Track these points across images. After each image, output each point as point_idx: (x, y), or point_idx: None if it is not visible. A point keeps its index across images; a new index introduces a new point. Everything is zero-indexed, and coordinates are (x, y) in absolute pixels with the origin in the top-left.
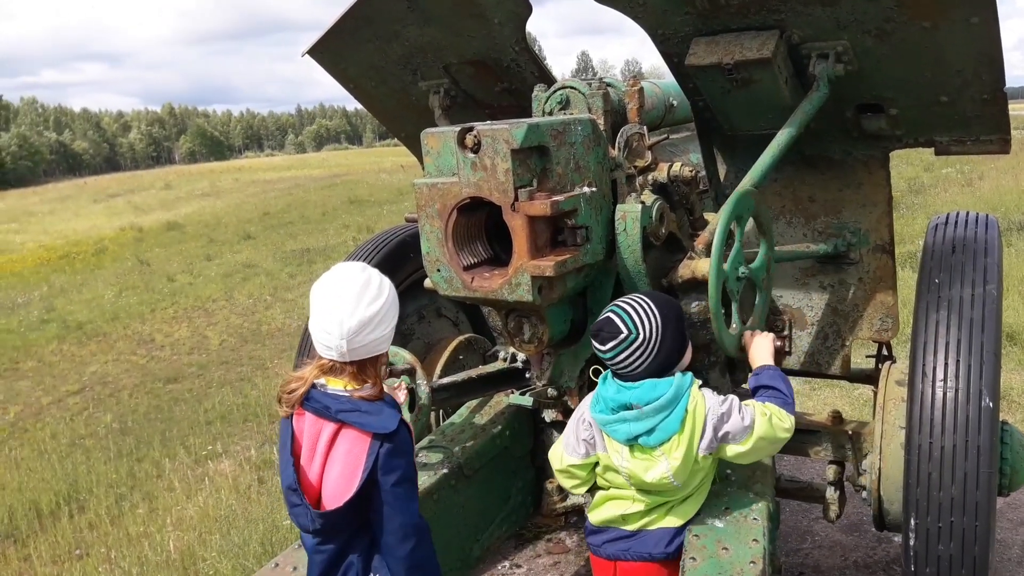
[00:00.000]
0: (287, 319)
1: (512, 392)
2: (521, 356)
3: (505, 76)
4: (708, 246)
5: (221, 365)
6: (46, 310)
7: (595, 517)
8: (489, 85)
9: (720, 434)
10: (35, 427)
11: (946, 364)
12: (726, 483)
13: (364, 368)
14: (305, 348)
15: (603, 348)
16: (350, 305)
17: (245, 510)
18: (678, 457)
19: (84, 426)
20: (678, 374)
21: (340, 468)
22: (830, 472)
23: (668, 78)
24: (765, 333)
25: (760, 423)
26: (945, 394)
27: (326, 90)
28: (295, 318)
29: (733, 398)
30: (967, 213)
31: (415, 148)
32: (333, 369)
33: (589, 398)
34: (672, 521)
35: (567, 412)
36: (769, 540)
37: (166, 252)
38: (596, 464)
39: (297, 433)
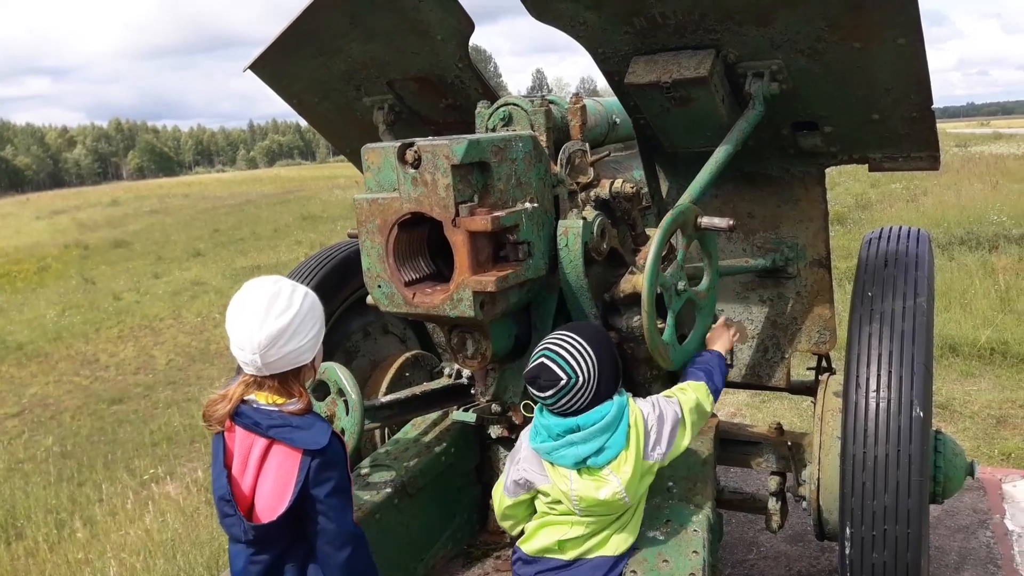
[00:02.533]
0: None
1: (456, 409)
2: (466, 372)
3: (449, 92)
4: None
5: (168, 385)
6: None
7: (529, 547)
8: (433, 101)
9: (667, 438)
10: None
11: (879, 375)
12: (667, 496)
13: (287, 381)
14: None
15: (543, 396)
16: (258, 319)
17: (191, 533)
18: (627, 471)
19: (23, 450)
20: (616, 395)
21: (272, 483)
22: (772, 483)
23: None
24: (729, 326)
25: (687, 411)
26: (878, 404)
27: (279, 106)
28: None
29: (655, 398)
30: (900, 228)
31: (359, 163)
32: (257, 384)
33: (526, 436)
34: (610, 550)
35: (512, 428)
36: (710, 552)
37: (112, 270)
38: (534, 499)
39: (229, 445)
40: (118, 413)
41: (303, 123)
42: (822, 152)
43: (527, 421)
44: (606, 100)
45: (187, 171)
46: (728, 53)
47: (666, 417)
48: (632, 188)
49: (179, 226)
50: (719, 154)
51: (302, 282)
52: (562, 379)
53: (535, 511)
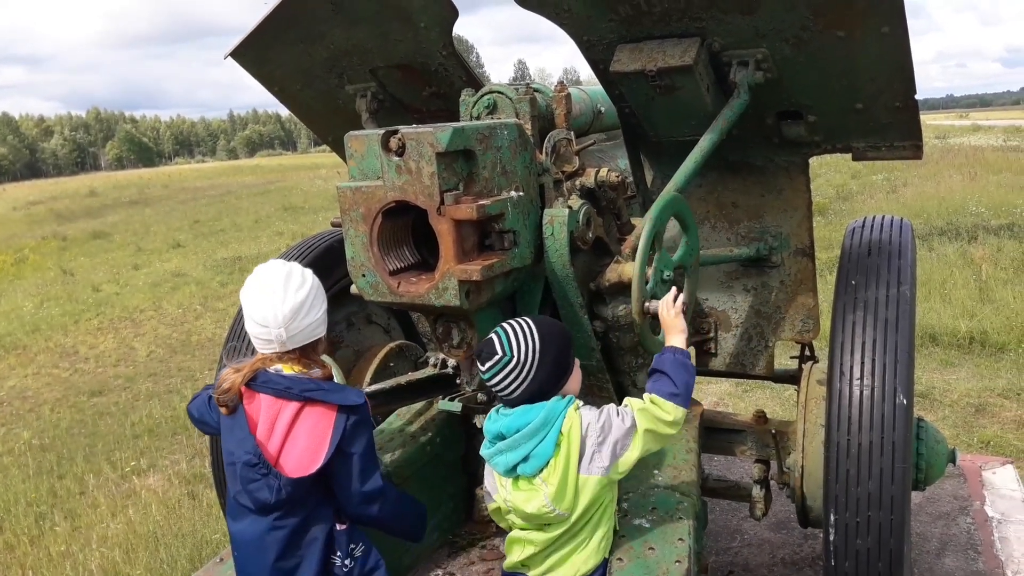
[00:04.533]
0: (218, 329)
1: (441, 398)
2: (451, 362)
3: (433, 80)
4: (634, 250)
5: (149, 377)
6: None
7: (506, 563)
8: (417, 89)
9: (611, 450)
10: None
11: (862, 363)
12: (652, 484)
13: (307, 353)
14: (228, 353)
15: (482, 368)
16: (279, 294)
17: (173, 526)
18: (554, 483)
19: (1, 443)
20: (554, 398)
21: (306, 441)
22: (755, 471)
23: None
24: (677, 304)
25: (640, 420)
26: (861, 392)
27: (259, 95)
28: (226, 328)
29: (608, 407)
30: (883, 217)
31: (342, 152)
32: (274, 361)
33: None
34: (567, 572)
35: None
36: (695, 539)
37: (91, 261)
38: None
39: (250, 414)
40: (98, 405)
41: (284, 113)
42: (806, 141)
43: None
44: (591, 89)
45: (167, 162)
46: (713, 41)
47: (611, 428)
48: (617, 177)
49: (159, 217)
50: (704, 143)
51: None
52: (498, 353)
53: None
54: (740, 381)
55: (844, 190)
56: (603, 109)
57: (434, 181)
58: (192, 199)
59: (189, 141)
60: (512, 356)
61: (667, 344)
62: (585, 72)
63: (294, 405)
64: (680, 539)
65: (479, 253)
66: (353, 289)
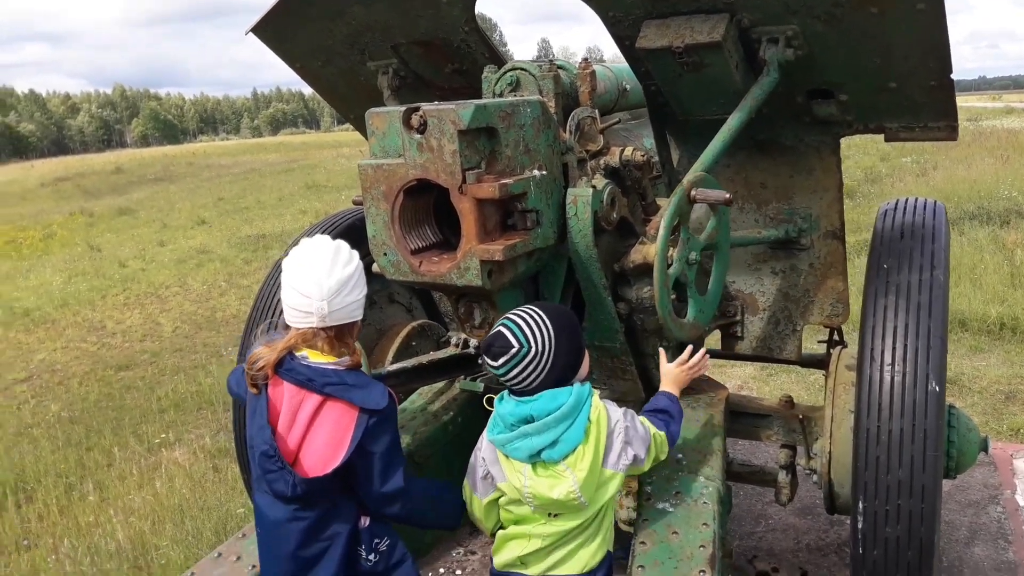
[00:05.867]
0: (242, 306)
1: (463, 378)
2: (473, 342)
3: (455, 57)
4: (657, 230)
5: (175, 352)
6: None
7: (497, 560)
8: (439, 66)
9: (633, 452)
10: None
11: (894, 348)
12: (676, 468)
13: (342, 335)
14: (251, 332)
15: (495, 364)
16: (326, 267)
17: (199, 499)
18: (584, 469)
19: (31, 415)
20: (576, 384)
21: (326, 438)
22: (781, 456)
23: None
24: (684, 365)
25: (653, 443)
26: (893, 378)
27: (282, 73)
28: (250, 305)
29: (632, 414)
30: (916, 200)
31: (364, 129)
32: (309, 339)
33: (485, 434)
34: (575, 567)
35: None
36: (720, 524)
37: (118, 237)
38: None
39: (273, 401)
40: (125, 379)
41: (307, 91)
42: (837, 121)
43: None
44: (616, 66)
45: (191, 139)
46: (742, 18)
47: (639, 434)
48: (643, 156)
49: (183, 194)
50: (732, 122)
51: None
52: (513, 346)
53: None
54: (764, 365)
55: (873, 172)
56: (628, 87)
57: (456, 159)
58: (216, 176)
59: (213, 119)
60: (530, 347)
61: (665, 388)
62: (609, 50)
63: (316, 398)
64: (705, 524)
65: (501, 233)
66: (375, 268)
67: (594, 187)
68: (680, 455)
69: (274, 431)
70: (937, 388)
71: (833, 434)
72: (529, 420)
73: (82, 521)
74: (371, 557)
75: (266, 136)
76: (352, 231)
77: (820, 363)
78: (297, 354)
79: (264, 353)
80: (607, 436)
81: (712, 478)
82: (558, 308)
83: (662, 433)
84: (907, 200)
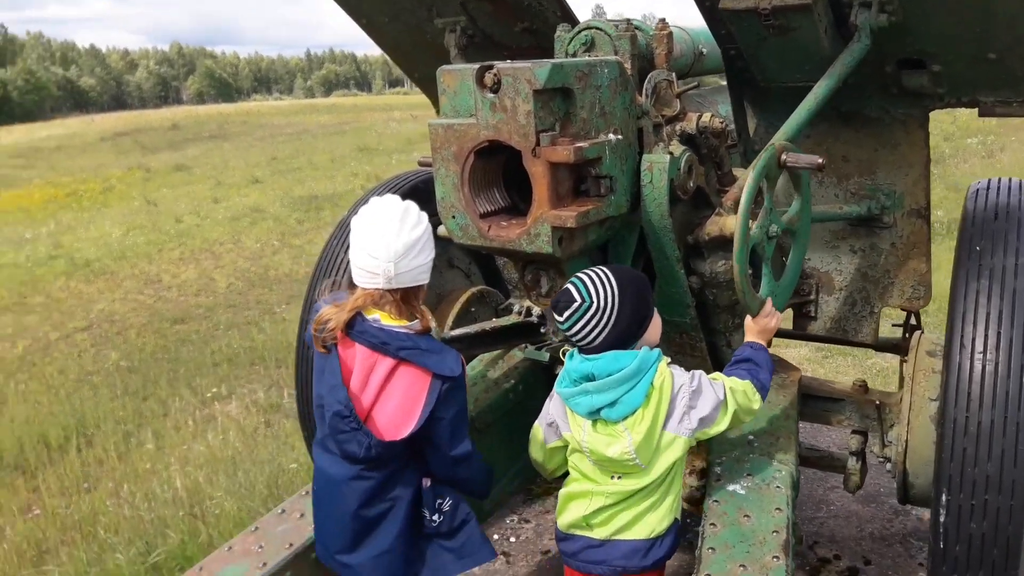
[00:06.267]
0: (295, 265)
1: (527, 346)
2: (536, 310)
3: (525, 15)
4: (737, 202)
5: (228, 308)
6: (53, 246)
7: (561, 521)
8: (508, 24)
9: (700, 416)
10: (43, 362)
11: (986, 335)
12: (748, 449)
13: (408, 299)
14: (315, 288)
15: (560, 318)
16: (395, 228)
17: (251, 452)
18: (641, 431)
19: (92, 363)
20: (644, 348)
21: (399, 402)
22: (853, 442)
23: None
24: (771, 315)
25: (731, 399)
26: (984, 367)
27: (336, 34)
28: (303, 264)
29: (700, 373)
30: (1009, 180)
31: (429, 90)
32: (377, 300)
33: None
34: (642, 532)
35: None
36: (792, 509)
37: (173, 193)
38: (566, 448)
39: (345, 361)
40: (180, 332)
41: (360, 53)
42: (928, 93)
43: None
44: (692, 28)
45: (245, 98)
46: None
47: (704, 395)
48: (721, 123)
49: (237, 152)
50: (819, 90)
51: None
52: (576, 300)
53: None
54: (820, 346)
55: (936, 152)
56: (705, 51)
57: (530, 120)
58: (270, 136)
59: (267, 78)
60: (592, 302)
61: (752, 340)
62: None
63: (389, 361)
64: (778, 509)
65: (574, 199)
66: (441, 230)
67: (671, 154)
68: (752, 436)
69: (347, 391)
70: None
71: (911, 422)
72: (591, 378)
73: (140, 468)
74: (435, 518)
75: (318, 97)
76: (415, 193)
77: (895, 347)
78: (368, 316)
79: (332, 313)
80: (669, 400)
81: (785, 462)
82: (628, 269)
83: (745, 382)
84: (1000, 180)
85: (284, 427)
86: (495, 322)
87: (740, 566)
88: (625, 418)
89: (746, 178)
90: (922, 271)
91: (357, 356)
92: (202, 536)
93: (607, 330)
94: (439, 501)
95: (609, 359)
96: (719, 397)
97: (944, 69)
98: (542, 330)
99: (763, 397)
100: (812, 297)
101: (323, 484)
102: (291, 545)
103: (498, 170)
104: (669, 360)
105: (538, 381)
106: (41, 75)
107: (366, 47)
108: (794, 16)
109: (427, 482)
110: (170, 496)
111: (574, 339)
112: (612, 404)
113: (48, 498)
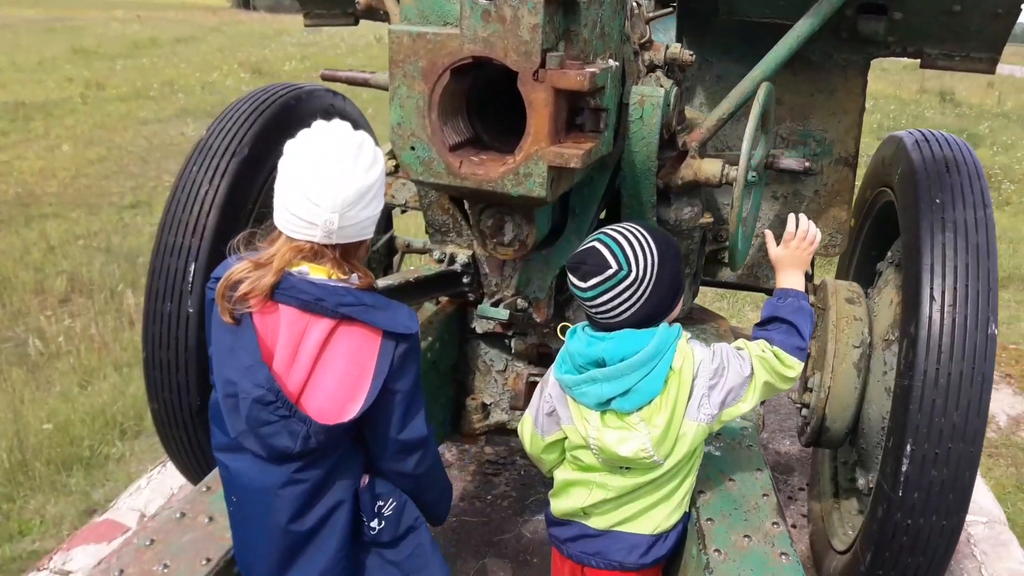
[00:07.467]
0: (3, 185)
1: (474, 303)
2: (460, 258)
3: None
4: (702, 143)
5: None
6: None
7: (556, 506)
8: None
9: (722, 397)
10: None
11: (955, 289)
12: None
13: (348, 256)
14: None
15: (583, 285)
16: (346, 169)
17: None
18: (659, 424)
19: None
20: (663, 325)
21: (342, 374)
22: None
23: None
24: (807, 238)
25: (759, 370)
26: (954, 319)
27: None
28: (12, 184)
29: (723, 347)
30: (943, 134)
31: None
32: (306, 257)
33: (553, 368)
34: (646, 527)
35: (506, 325)
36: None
37: None
38: (565, 439)
39: (262, 334)
40: None
41: None
42: (877, 41)
43: (549, 321)
44: None
45: None
46: None
47: (727, 373)
48: (690, 56)
49: None
50: (801, 27)
51: (234, 135)
52: (611, 267)
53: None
54: (723, 292)
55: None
56: None
57: (536, 36)
58: None
59: None
60: (630, 271)
61: (783, 284)
62: None
63: (326, 323)
64: (758, 469)
65: (567, 133)
66: (390, 164)
67: (663, 87)
68: None
69: (269, 370)
70: (995, 332)
71: (835, 368)
72: (600, 364)
73: None
74: (374, 524)
75: None
76: (286, 112)
77: None
78: (294, 270)
79: (249, 273)
80: (690, 386)
81: (748, 417)
82: (662, 232)
83: (774, 349)
84: (932, 132)
85: None
86: (417, 272)
87: (744, 536)
88: (640, 408)
89: (717, 117)
90: (842, 219)
91: (282, 322)
92: None
93: (639, 304)
94: (379, 504)
95: (620, 340)
96: (744, 372)
97: (905, 17)
98: (465, 279)
99: (802, 356)
100: (727, 244)
101: (242, 496)
102: (208, 560)
103: (463, 95)
104: (689, 336)
105: (452, 338)
106: None
107: None
108: None
109: (365, 479)
110: None
111: (595, 311)
112: (625, 393)
113: None
